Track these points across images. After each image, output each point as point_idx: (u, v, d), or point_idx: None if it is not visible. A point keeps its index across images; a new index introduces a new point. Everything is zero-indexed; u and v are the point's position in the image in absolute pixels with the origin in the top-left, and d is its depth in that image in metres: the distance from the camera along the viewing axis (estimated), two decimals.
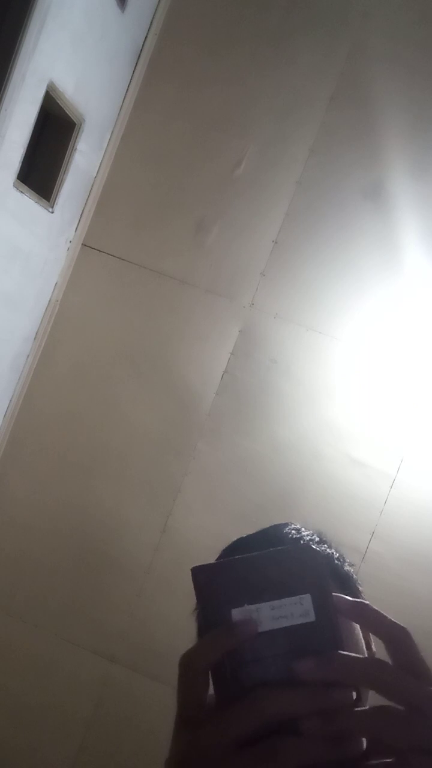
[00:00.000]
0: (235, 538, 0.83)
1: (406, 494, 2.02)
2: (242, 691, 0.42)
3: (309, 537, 0.80)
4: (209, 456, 2.10)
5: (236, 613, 0.44)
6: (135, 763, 2.07)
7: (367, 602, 0.45)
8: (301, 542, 0.77)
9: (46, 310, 2.15)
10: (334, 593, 0.45)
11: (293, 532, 0.80)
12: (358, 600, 0.45)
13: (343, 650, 0.43)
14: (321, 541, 0.80)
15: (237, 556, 0.47)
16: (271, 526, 0.83)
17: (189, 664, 0.44)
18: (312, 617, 0.44)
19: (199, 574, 0.46)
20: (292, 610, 0.44)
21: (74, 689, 2.12)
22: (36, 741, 2.12)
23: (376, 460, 2.04)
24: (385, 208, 2.04)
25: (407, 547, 2.01)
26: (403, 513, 2.02)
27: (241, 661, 0.43)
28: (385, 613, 0.45)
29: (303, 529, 0.81)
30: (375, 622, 0.45)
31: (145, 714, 2.06)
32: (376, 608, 0.45)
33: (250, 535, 0.82)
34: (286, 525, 0.82)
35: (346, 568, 0.78)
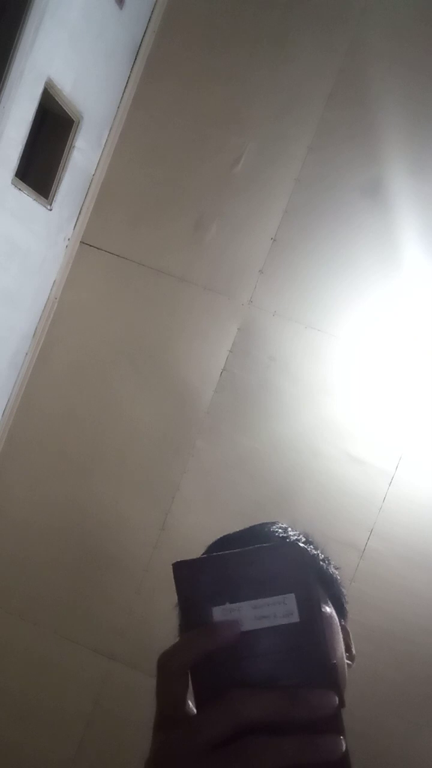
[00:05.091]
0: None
1: (405, 491, 2.02)
2: (221, 691, 0.41)
3: (295, 537, 0.79)
4: (208, 453, 2.10)
5: (217, 612, 0.42)
6: (134, 761, 2.07)
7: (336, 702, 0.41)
8: (287, 540, 0.76)
9: (44, 307, 2.15)
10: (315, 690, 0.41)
11: (279, 530, 0.79)
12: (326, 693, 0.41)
13: (326, 653, 0.41)
14: (307, 542, 0.79)
15: (220, 552, 0.45)
16: (257, 524, 0.82)
17: (166, 665, 0.43)
18: (296, 618, 0.42)
19: (181, 570, 0.44)
20: (275, 610, 0.42)
21: (73, 687, 2.12)
22: (35, 739, 2.12)
23: (375, 458, 2.04)
24: (384, 206, 2.04)
25: (406, 544, 2.01)
26: (402, 510, 2.02)
27: (220, 661, 0.42)
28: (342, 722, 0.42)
29: (290, 528, 0.80)
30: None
31: (145, 711, 2.06)
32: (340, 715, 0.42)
33: (237, 532, 0.81)
34: (273, 523, 0.81)
35: (332, 570, 0.78)
